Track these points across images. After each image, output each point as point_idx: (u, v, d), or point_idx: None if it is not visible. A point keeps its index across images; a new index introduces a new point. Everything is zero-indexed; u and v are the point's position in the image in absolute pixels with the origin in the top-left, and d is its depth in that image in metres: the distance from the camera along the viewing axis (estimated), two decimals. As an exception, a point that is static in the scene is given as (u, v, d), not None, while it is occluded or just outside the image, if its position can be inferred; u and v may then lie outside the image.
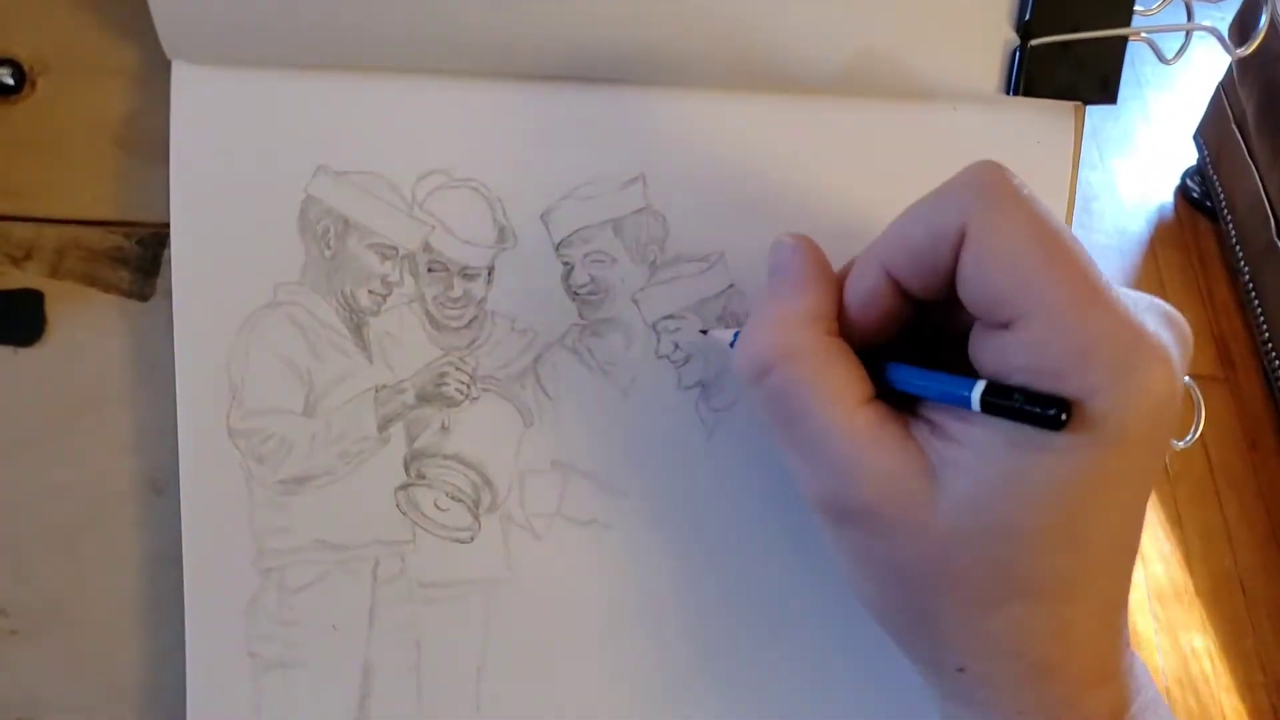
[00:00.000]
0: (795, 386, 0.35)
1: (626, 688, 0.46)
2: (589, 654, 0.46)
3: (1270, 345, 1.88)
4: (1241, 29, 1.75)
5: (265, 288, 0.43)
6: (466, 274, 0.43)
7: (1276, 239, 1.83)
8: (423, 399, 0.44)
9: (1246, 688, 1.61)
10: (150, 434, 0.44)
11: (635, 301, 0.44)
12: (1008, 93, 0.44)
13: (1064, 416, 0.31)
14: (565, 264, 0.44)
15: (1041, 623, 0.34)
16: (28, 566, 0.44)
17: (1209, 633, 1.66)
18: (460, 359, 0.44)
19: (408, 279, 0.43)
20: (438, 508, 0.44)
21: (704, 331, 0.44)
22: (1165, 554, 1.73)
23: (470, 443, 0.44)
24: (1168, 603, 1.68)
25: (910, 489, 0.34)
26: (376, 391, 0.44)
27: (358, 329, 0.43)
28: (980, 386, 0.32)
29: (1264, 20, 0.51)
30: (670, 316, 0.45)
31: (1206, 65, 2.34)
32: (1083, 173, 0.46)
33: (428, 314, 0.44)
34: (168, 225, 0.42)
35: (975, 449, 0.33)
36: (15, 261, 0.42)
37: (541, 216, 0.44)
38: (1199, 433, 0.44)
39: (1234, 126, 2.01)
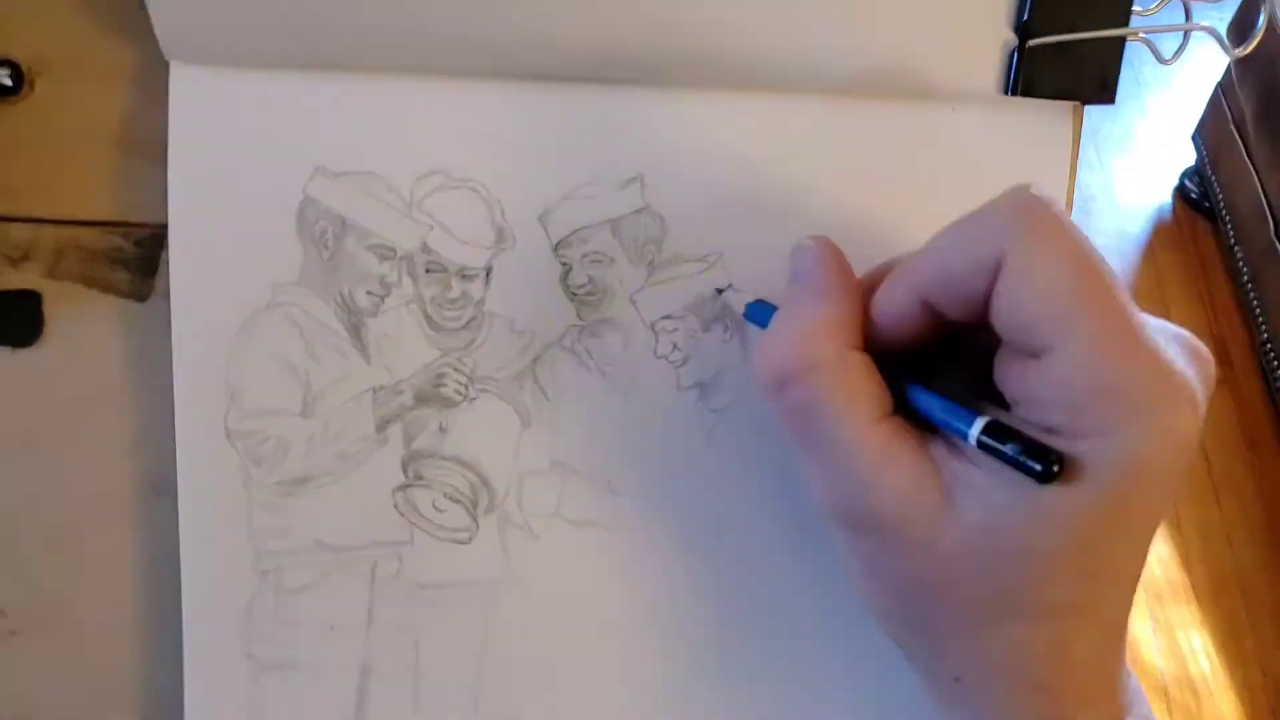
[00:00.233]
0: (816, 400, 0.35)
1: (625, 688, 0.46)
2: (587, 655, 0.46)
3: (1269, 346, 1.88)
4: (1240, 29, 1.75)
5: (263, 288, 0.43)
6: (465, 275, 0.43)
7: (1275, 240, 1.83)
8: (421, 400, 0.44)
9: (1245, 688, 1.61)
10: (148, 435, 0.43)
11: (633, 302, 0.44)
12: (1006, 93, 0.44)
13: (1056, 469, 0.31)
14: (563, 264, 0.44)
15: (1040, 644, 0.34)
16: (26, 567, 0.44)
17: (1208, 633, 1.66)
18: (458, 360, 0.44)
19: (406, 280, 0.43)
20: (436, 508, 0.44)
21: (719, 291, 0.44)
22: (1164, 554, 1.73)
23: (468, 444, 0.44)
24: (1166, 603, 1.68)
25: (923, 505, 0.34)
26: (374, 392, 0.44)
27: (356, 330, 0.43)
28: (979, 424, 0.33)
29: (1262, 21, 0.51)
30: (668, 317, 0.45)
31: (1205, 66, 2.34)
32: (1081, 173, 0.46)
33: (426, 315, 0.44)
34: (166, 226, 0.42)
35: (990, 472, 0.33)
36: (13, 262, 0.42)
37: (539, 217, 0.44)
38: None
39: (1232, 127, 2.01)
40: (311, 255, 0.43)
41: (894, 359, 0.37)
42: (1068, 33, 0.43)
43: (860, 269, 0.45)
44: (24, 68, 0.41)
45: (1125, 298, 0.32)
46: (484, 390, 0.44)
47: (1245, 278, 1.98)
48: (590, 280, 0.44)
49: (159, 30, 0.39)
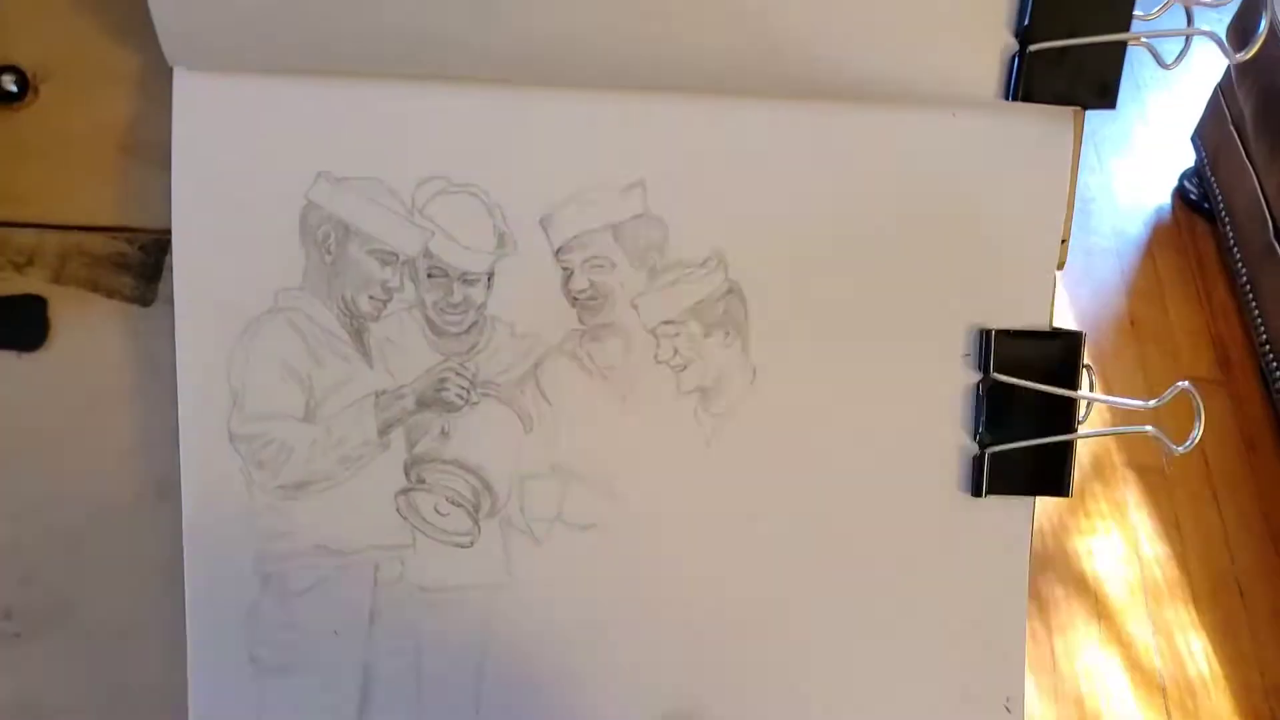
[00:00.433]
0: None
1: (625, 690, 0.47)
2: (588, 657, 0.46)
3: (1268, 347, 1.88)
4: (1239, 32, 1.75)
5: (266, 293, 0.43)
6: (466, 279, 0.44)
7: (1274, 241, 1.83)
8: (423, 404, 0.44)
9: (1244, 690, 1.61)
10: (152, 439, 0.44)
11: (635, 307, 0.44)
12: (1007, 98, 0.44)
13: None
14: (565, 269, 0.44)
15: None
16: (31, 570, 0.44)
17: (1206, 634, 1.66)
18: (460, 364, 0.44)
19: (408, 284, 0.43)
20: (438, 512, 0.44)
21: None
22: (1162, 556, 1.73)
23: (470, 448, 0.44)
24: (1164, 604, 1.68)
25: None
26: (377, 397, 0.44)
27: (358, 334, 0.43)
28: None
29: (1264, 25, 0.51)
30: (669, 322, 0.45)
31: (1204, 67, 2.34)
32: (1080, 174, 0.46)
33: (428, 319, 0.44)
34: (170, 231, 0.42)
35: None
36: (18, 267, 0.43)
37: (541, 222, 0.44)
38: (1198, 438, 0.44)
39: (1232, 128, 2.01)
40: (314, 260, 0.43)
41: None
42: (1069, 38, 0.43)
43: (860, 271, 0.45)
44: (29, 74, 0.42)
45: None
46: (486, 394, 0.44)
47: (1244, 279, 1.98)
48: (591, 285, 0.44)
49: (162, 36, 0.39)
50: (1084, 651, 1.62)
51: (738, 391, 0.45)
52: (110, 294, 0.43)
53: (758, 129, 0.44)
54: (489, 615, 0.45)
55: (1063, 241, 0.46)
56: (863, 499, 0.46)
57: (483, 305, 0.44)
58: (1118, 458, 1.84)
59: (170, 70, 0.41)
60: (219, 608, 0.44)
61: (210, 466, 0.43)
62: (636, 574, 0.46)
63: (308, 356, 0.43)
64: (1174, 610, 1.70)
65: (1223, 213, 2.09)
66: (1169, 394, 0.45)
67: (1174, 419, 0.49)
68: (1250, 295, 1.98)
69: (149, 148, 0.42)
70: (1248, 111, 1.94)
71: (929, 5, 0.43)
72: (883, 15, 0.42)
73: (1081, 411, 0.47)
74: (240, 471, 0.43)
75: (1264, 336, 1.91)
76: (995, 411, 0.46)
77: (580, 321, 0.44)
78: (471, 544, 0.45)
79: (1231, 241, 2.05)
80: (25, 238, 0.42)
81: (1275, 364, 1.87)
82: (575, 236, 0.44)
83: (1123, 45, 0.44)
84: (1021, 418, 0.46)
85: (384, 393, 0.44)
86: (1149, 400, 0.45)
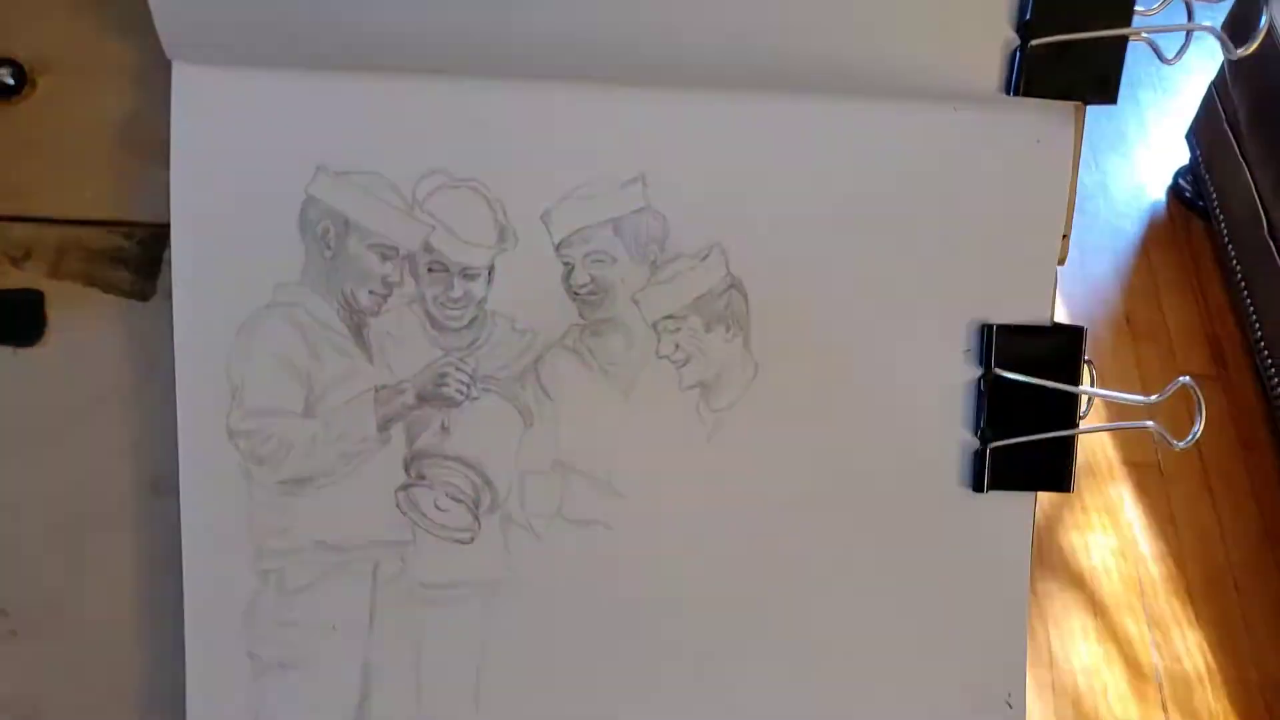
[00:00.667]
0: None
1: (625, 686, 0.46)
2: (588, 653, 0.46)
3: (1263, 344, 1.88)
4: (1234, 29, 1.75)
5: (265, 288, 0.43)
6: (467, 274, 0.43)
7: (1269, 238, 1.84)
8: (423, 399, 0.44)
9: (1240, 686, 1.61)
10: (150, 434, 0.43)
11: (635, 301, 0.44)
12: (1008, 93, 0.44)
13: None
14: (565, 264, 0.44)
15: None
16: (28, 566, 0.44)
17: (1202, 631, 1.66)
18: (460, 359, 0.44)
19: (408, 279, 0.43)
20: (438, 508, 0.44)
21: None
22: (1159, 553, 1.73)
23: (470, 443, 0.44)
24: (1161, 601, 1.68)
25: None
26: (376, 392, 0.44)
27: (358, 329, 0.43)
28: None
29: (1264, 21, 0.51)
30: (671, 317, 0.45)
31: (1199, 65, 2.35)
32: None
33: (428, 314, 0.44)
34: (168, 225, 0.42)
35: None
36: (15, 261, 0.42)
37: (542, 216, 0.44)
38: (1199, 434, 0.44)
39: (1226, 126, 2.01)
40: (313, 255, 0.43)
41: None
42: (1069, 33, 0.43)
43: (862, 266, 0.45)
44: (26, 67, 0.41)
45: None
46: (486, 390, 0.44)
47: (1239, 276, 1.98)
48: (592, 279, 0.44)
49: (161, 30, 0.39)
50: (1080, 648, 1.62)
51: (739, 387, 0.45)
52: (108, 288, 0.43)
53: (759, 124, 0.44)
54: (489, 611, 0.45)
55: (1064, 237, 0.46)
56: (864, 494, 0.46)
57: (483, 300, 0.44)
58: (1114, 454, 1.84)
59: (169, 64, 0.41)
60: (217, 604, 0.44)
61: (209, 462, 0.43)
62: (637, 569, 0.46)
63: (307, 351, 0.43)
64: (1170, 606, 1.70)
65: (1218, 210, 2.09)
66: (1170, 389, 0.45)
67: (1172, 415, 0.49)
68: (1245, 293, 1.98)
69: (147, 142, 0.42)
70: (1242, 110, 1.94)
71: (930, 1, 0.43)
72: (884, 11, 0.42)
73: (1082, 407, 0.47)
74: (239, 467, 0.43)
75: (1259, 334, 1.91)
76: (996, 407, 0.46)
77: (581, 316, 0.44)
78: (472, 540, 0.45)
79: (1226, 239, 2.05)
80: (22, 231, 0.42)
81: (1270, 361, 1.87)
82: (576, 231, 0.44)
83: (1123, 40, 0.44)
84: (1023, 413, 0.46)
85: (384, 388, 0.44)
86: (1150, 395, 0.45)
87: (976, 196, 0.45)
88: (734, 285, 0.45)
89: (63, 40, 0.41)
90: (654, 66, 0.42)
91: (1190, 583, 1.73)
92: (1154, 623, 1.68)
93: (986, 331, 0.46)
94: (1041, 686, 1.55)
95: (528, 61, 0.42)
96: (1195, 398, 0.44)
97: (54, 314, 0.43)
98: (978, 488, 0.46)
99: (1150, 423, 0.46)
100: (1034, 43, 0.43)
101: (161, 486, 0.44)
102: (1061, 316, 0.46)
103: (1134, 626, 1.67)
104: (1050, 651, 1.60)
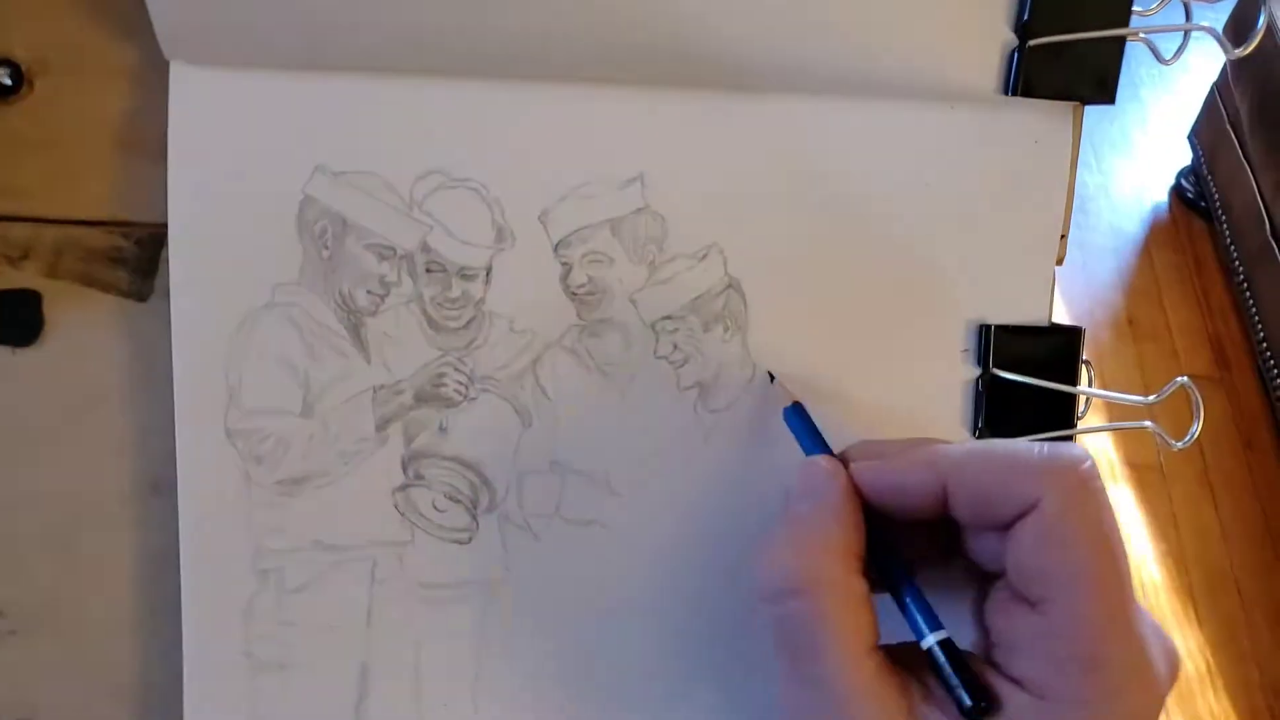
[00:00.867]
0: (812, 619, 0.35)
1: (624, 689, 0.46)
2: (587, 653, 0.46)
3: (1265, 345, 1.88)
4: (1236, 29, 1.75)
5: (263, 288, 0.43)
6: (465, 274, 0.43)
7: (1271, 239, 1.84)
8: (421, 399, 0.44)
9: (1242, 687, 1.61)
10: (148, 434, 0.43)
11: (633, 302, 0.44)
12: (1006, 93, 0.44)
13: (984, 706, 0.33)
14: (563, 264, 0.44)
15: None
16: (25, 566, 0.44)
17: (1204, 632, 1.66)
18: (458, 359, 0.44)
19: (406, 279, 0.43)
20: (436, 508, 0.44)
21: (771, 376, 0.45)
22: (1160, 553, 1.73)
23: (468, 443, 0.44)
24: (1163, 602, 1.68)
25: None
26: (374, 392, 0.44)
27: (355, 329, 0.43)
28: (936, 637, 0.35)
29: (1263, 21, 0.51)
30: (668, 317, 0.45)
31: (1201, 65, 2.35)
32: (1077, 173, 0.46)
33: (426, 314, 0.44)
34: (166, 225, 0.42)
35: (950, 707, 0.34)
36: (13, 261, 0.42)
37: (540, 217, 0.44)
38: (1197, 434, 0.44)
39: (1228, 127, 2.01)
40: (311, 255, 0.43)
41: (889, 536, 0.38)
42: (1068, 33, 0.43)
43: (860, 267, 0.45)
44: (24, 67, 0.41)
45: (1128, 578, 0.34)
46: (484, 390, 0.44)
47: (1241, 277, 1.98)
48: (590, 280, 0.44)
49: (159, 30, 0.39)
50: (1081, 649, 1.62)
51: (737, 387, 0.45)
52: (106, 288, 0.43)
53: (757, 124, 0.44)
54: (487, 611, 0.45)
55: (1062, 237, 0.46)
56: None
57: (481, 300, 0.44)
58: (1114, 455, 1.84)
59: (167, 64, 0.41)
60: (215, 604, 0.44)
61: (206, 462, 0.43)
62: (635, 570, 0.46)
63: (305, 351, 0.43)
64: (1171, 607, 1.70)
65: (1219, 211, 2.09)
66: (1168, 389, 0.45)
67: (1172, 415, 0.49)
68: (1247, 293, 1.98)
69: (145, 142, 0.42)
70: (1244, 110, 1.94)
71: (929, 1, 0.43)
72: (882, 10, 0.42)
73: (1081, 407, 0.47)
74: (237, 467, 0.43)
75: (1261, 335, 1.91)
76: (995, 407, 0.46)
77: (579, 317, 0.44)
78: (470, 540, 0.45)
79: (1228, 240, 2.05)
80: (20, 232, 0.42)
81: (1273, 362, 1.87)
82: (574, 231, 0.44)
83: (1122, 40, 0.44)
84: (1021, 413, 0.46)
85: (382, 388, 0.44)
86: (1149, 396, 0.45)
87: (975, 196, 0.45)
88: (732, 285, 0.45)
89: (61, 40, 0.41)
90: (653, 66, 0.42)
91: (1192, 583, 1.73)
92: (1155, 624, 1.67)
93: (984, 331, 0.46)
94: (1043, 687, 1.55)
95: (526, 62, 0.42)
96: (1193, 398, 0.44)
97: (52, 314, 0.43)
98: None
99: (1148, 423, 0.46)
100: (1032, 43, 0.43)
101: (159, 486, 0.44)
102: (1063, 317, 0.46)
103: (1135, 627, 1.66)
104: (1051, 652, 1.60)
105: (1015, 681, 0.34)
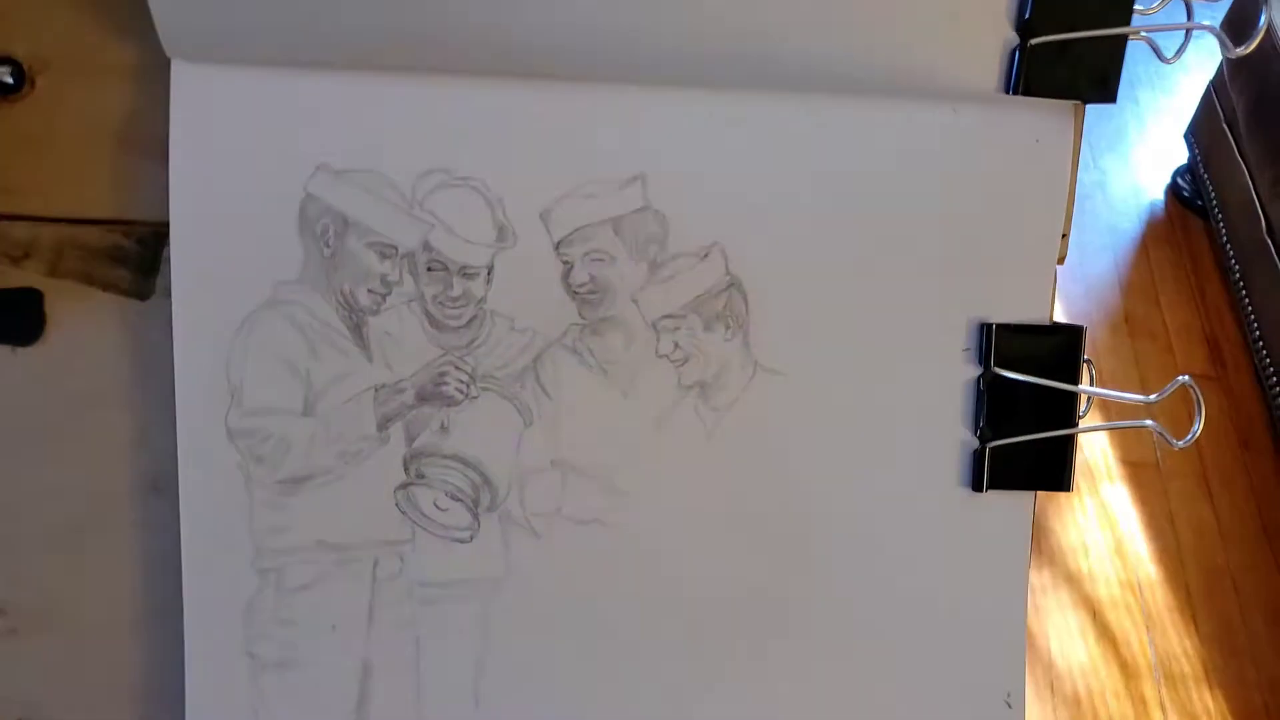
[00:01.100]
0: None
1: (625, 686, 0.46)
2: (587, 652, 0.46)
3: (1261, 344, 1.88)
4: (1233, 28, 1.75)
5: (264, 286, 0.43)
6: (466, 273, 0.43)
7: (1267, 238, 1.84)
8: (422, 398, 0.44)
9: (1238, 685, 1.61)
10: (149, 433, 0.43)
11: (635, 301, 0.44)
12: (1007, 92, 0.44)
13: None
14: (565, 263, 0.44)
15: None
16: (26, 566, 0.44)
17: (1200, 631, 1.66)
18: (460, 358, 0.44)
19: (407, 278, 0.43)
20: (437, 507, 0.44)
21: None
22: (1157, 552, 1.73)
23: (470, 442, 0.44)
24: (1159, 601, 1.68)
25: None
26: (376, 391, 0.44)
27: (357, 328, 0.43)
28: None
29: (1263, 20, 0.51)
30: (670, 316, 0.45)
31: (1198, 64, 2.35)
32: (1076, 171, 0.46)
33: (427, 313, 0.43)
34: (167, 224, 0.42)
35: None
36: (14, 260, 0.42)
37: (541, 215, 0.44)
38: (1198, 433, 0.44)
39: (1225, 125, 2.01)
40: (313, 253, 0.43)
41: None
42: (1069, 31, 0.43)
43: (861, 265, 0.45)
44: (25, 66, 0.41)
45: None
46: (485, 389, 0.44)
47: (1237, 275, 1.98)
48: (592, 279, 0.44)
49: (160, 28, 0.39)
50: (1079, 647, 1.62)
51: (738, 386, 0.45)
52: (107, 287, 0.43)
53: (758, 123, 0.44)
54: (488, 610, 0.45)
55: (1063, 236, 0.46)
56: (863, 494, 0.46)
57: (482, 299, 0.44)
58: (1113, 454, 1.84)
59: (168, 62, 0.41)
60: (216, 603, 0.44)
61: (208, 461, 0.43)
62: (636, 568, 0.46)
63: (306, 350, 0.43)
64: (1168, 606, 1.70)
65: (1216, 210, 2.10)
66: (1169, 388, 0.45)
67: (1172, 414, 0.49)
68: (1244, 292, 1.98)
69: (147, 140, 0.42)
70: (1240, 109, 1.95)
71: (930, 0, 0.43)
72: (884, 9, 0.42)
73: (1081, 406, 0.47)
74: (238, 466, 0.43)
75: (1257, 333, 1.91)
76: (996, 406, 0.46)
77: (580, 315, 0.44)
78: (471, 539, 0.45)
79: (1225, 238, 2.06)
80: (21, 230, 0.42)
81: (1269, 360, 1.87)
82: (576, 230, 0.44)
83: (1123, 39, 0.44)
84: (1022, 412, 0.46)
85: (383, 387, 0.44)
86: (1149, 395, 0.45)
87: (976, 195, 0.45)
88: (733, 284, 0.45)
89: (62, 39, 0.41)
90: (654, 66, 0.42)
91: (1189, 582, 1.74)
92: (1152, 622, 1.68)
93: (986, 330, 0.46)
94: (1040, 686, 1.56)
95: (527, 60, 0.42)
96: (1195, 397, 0.44)
97: (53, 313, 0.43)
98: (976, 487, 0.46)
99: (1149, 422, 0.46)
100: (1033, 41, 0.43)
101: (160, 485, 0.44)
102: (1060, 316, 0.46)
103: (1132, 626, 1.67)
104: (1049, 651, 1.60)
105: None
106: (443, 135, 0.43)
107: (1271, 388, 1.87)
